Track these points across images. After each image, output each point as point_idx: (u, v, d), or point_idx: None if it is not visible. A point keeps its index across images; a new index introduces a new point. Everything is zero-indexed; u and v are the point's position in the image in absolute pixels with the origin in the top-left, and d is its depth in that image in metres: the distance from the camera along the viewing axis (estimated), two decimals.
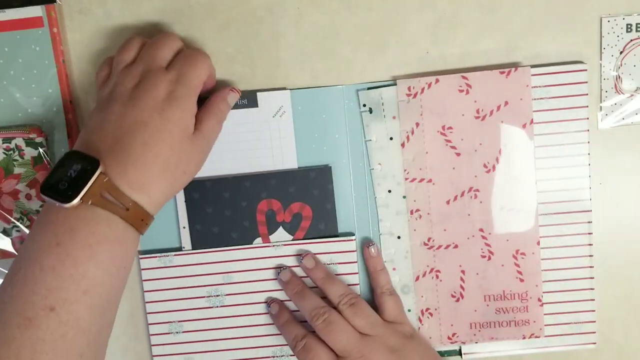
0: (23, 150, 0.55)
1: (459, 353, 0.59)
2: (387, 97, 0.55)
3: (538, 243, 0.56)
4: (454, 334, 0.57)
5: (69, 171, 0.43)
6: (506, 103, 0.54)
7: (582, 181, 0.56)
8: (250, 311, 0.58)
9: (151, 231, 0.55)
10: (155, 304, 0.58)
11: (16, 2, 0.54)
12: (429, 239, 0.56)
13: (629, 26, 0.55)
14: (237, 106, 0.55)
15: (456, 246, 0.56)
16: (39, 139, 0.55)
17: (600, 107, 0.56)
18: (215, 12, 0.56)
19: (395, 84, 0.55)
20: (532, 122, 0.54)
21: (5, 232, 0.57)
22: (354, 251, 0.57)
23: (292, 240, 0.57)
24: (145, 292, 0.58)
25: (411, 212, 0.56)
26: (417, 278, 0.57)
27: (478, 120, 0.55)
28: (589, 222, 0.57)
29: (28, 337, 0.40)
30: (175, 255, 0.57)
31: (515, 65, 0.55)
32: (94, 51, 0.56)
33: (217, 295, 0.58)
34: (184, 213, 0.57)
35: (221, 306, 0.58)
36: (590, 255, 0.57)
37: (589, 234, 0.57)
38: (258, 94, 0.55)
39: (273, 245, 0.57)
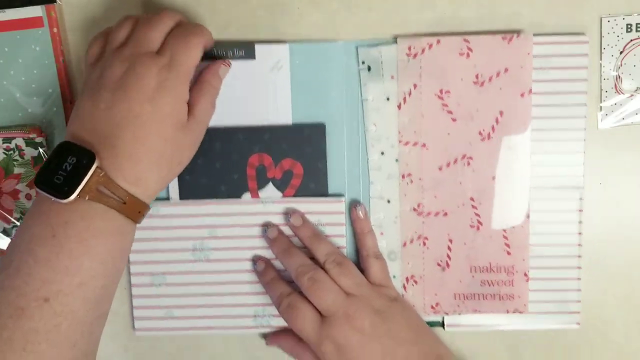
0: (23, 150, 0.55)
1: (442, 324, 0.58)
2: (386, 56, 0.55)
3: (528, 216, 0.55)
4: (437, 304, 0.56)
5: (64, 164, 0.43)
6: (506, 70, 0.53)
7: (576, 157, 0.56)
8: (234, 268, 0.57)
9: None
10: (139, 254, 0.57)
11: (16, 2, 0.54)
12: (418, 205, 0.55)
13: (629, 26, 0.55)
14: (234, 57, 0.55)
15: (445, 214, 0.55)
16: (39, 139, 0.55)
17: (600, 107, 0.56)
18: (215, 12, 0.56)
19: (396, 43, 0.55)
20: (530, 91, 0.53)
21: (5, 232, 0.57)
22: (342, 213, 0.56)
23: (282, 197, 0.56)
24: None
25: (402, 177, 0.55)
26: (405, 244, 0.56)
27: (476, 86, 0.54)
28: (581, 198, 0.56)
29: (20, 326, 0.40)
30: (162, 205, 0.56)
31: (517, 31, 0.54)
32: None
33: (202, 250, 0.57)
34: None
35: (206, 261, 0.57)
36: (580, 233, 0.57)
37: (580, 210, 0.56)
38: (256, 45, 0.55)
39: (261, 202, 0.56)
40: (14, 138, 0.55)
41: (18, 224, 0.56)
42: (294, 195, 0.56)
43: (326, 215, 0.56)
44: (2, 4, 0.54)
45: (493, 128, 0.54)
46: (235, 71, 0.55)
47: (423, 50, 0.54)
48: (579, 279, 0.57)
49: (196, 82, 0.50)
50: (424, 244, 0.56)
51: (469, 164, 0.55)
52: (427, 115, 0.54)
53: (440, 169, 0.55)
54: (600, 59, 0.56)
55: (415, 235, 0.56)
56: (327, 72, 0.55)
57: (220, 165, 0.56)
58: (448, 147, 0.55)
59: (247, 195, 0.56)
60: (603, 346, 0.60)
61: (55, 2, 0.55)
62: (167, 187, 0.57)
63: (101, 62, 0.47)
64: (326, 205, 0.56)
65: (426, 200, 0.55)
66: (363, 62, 0.55)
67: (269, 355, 0.59)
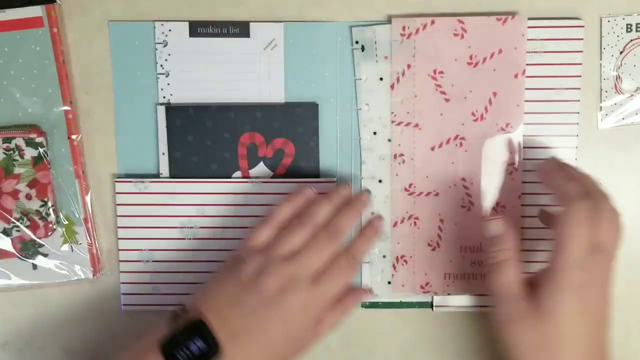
0: (23, 150, 0.56)
1: (431, 305, 0.57)
2: (380, 36, 0.55)
3: (519, 197, 0.54)
4: (427, 284, 0.56)
5: (192, 345, 0.44)
6: (500, 51, 0.53)
7: (569, 140, 0.56)
8: (222, 246, 0.57)
9: (129, 155, 0.55)
10: (127, 230, 0.57)
11: (16, 2, 0.55)
12: (410, 185, 0.55)
13: (629, 26, 0.55)
14: (228, 35, 0.55)
15: (437, 194, 0.55)
16: (39, 139, 0.56)
17: (600, 107, 0.56)
18: (215, 12, 0.56)
19: (390, 24, 0.55)
20: (524, 72, 0.53)
21: (5, 232, 0.57)
22: None
23: (272, 177, 0.56)
24: (118, 217, 0.57)
25: (394, 157, 0.55)
26: (395, 224, 0.56)
27: (470, 67, 0.54)
28: None
29: None
30: (151, 182, 0.56)
31: (512, 13, 0.54)
32: (94, 51, 0.57)
33: (191, 227, 0.56)
34: (164, 139, 0.56)
35: (194, 238, 0.57)
36: None
37: None
38: (251, 24, 0.55)
39: (252, 182, 0.56)
40: (14, 138, 0.55)
41: (18, 224, 0.56)
42: (285, 175, 0.56)
43: None
44: (2, 3, 0.55)
45: (486, 109, 0.54)
46: (229, 48, 0.55)
47: (417, 31, 0.53)
48: None
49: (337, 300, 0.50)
50: (415, 224, 0.55)
51: (461, 144, 0.54)
52: (420, 96, 0.54)
53: (432, 149, 0.55)
54: (600, 59, 0.56)
55: (407, 215, 0.55)
56: (321, 52, 0.56)
57: (212, 143, 0.56)
58: (441, 127, 0.54)
59: (237, 174, 0.56)
60: None
61: (55, 2, 0.55)
62: (158, 164, 0.57)
63: (261, 260, 0.48)
64: (317, 185, 0.55)
65: (417, 180, 0.55)
66: (357, 42, 0.55)
67: None
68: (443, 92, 0.54)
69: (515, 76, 0.53)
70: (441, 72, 0.54)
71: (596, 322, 0.46)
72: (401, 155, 0.55)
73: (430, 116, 0.54)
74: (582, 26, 0.55)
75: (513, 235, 0.48)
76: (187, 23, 0.55)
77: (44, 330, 0.59)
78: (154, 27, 0.55)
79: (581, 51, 0.55)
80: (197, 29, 0.55)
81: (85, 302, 0.59)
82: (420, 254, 0.55)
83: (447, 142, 0.55)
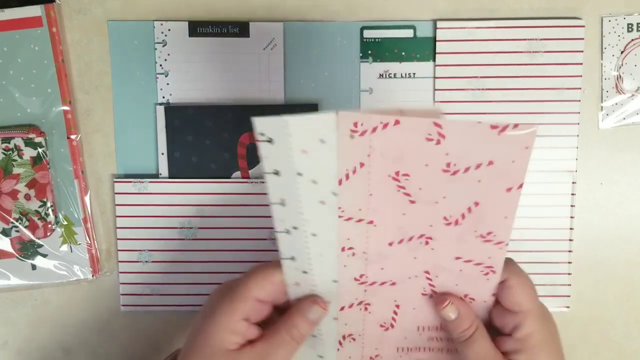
0: (22, 150, 0.55)
1: None
2: (295, 130, 0.39)
3: (493, 295, 0.45)
4: (377, 355, 0.49)
5: None
6: (490, 163, 0.39)
7: (570, 140, 0.56)
8: (221, 247, 0.57)
9: (129, 155, 0.55)
10: (127, 230, 0.57)
11: (15, 1, 0.55)
12: (361, 276, 0.44)
13: (630, 26, 0.56)
14: (228, 35, 0.55)
15: (393, 284, 0.45)
16: (38, 139, 0.55)
17: (601, 107, 0.56)
18: (215, 12, 0.56)
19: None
20: (520, 186, 0.39)
21: (5, 233, 0.56)
22: None
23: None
24: (117, 217, 0.57)
25: (342, 249, 0.43)
26: (343, 308, 0.46)
27: (446, 175, 0.40)
28: (574, 182, 0.56)
29: None
30: (150, 182, 0.56)
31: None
32: (93, 51, 0.57)
33: (190, 228, 0.56)
34: (163, 139, 0.56)
35: (193, 239, 0.57)
36: (572, 217, 0.57)
37: (572, 194, 0.56)
38: (250, 23, 0.55)
39: (251, 182, 0.56)
40: (13, 138, 0.55)
41: (17, 224, 0.56)
42: None
43: None
44: (1, 3, 0.55)
45: (463, 216, 0.41)
46: (229, 48, 0.55)
47: (375, 129, 0.39)
48: (569, 262, 0.57)
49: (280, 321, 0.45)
50: (366, 308, 0.46)
51: (427, 243, 0.43)
52: (377, 195, 0.41)
53: (390, 244, 0.43)
54: (601, 59, 0.56)
55: (356, 301, 0.46)
56: (321, 52, 0.55)
57: (211, 143, 0.56)
58: (403, 226, 0.42)
59: (237, 174, 0.56)
60: (603, 346, 0.59)
61: (55, 1, 0.55)
62: (157, 164, 0.56)
63: None
64: None
65: (370, 272, 0.44)
66: (262, 134, 0.40)
67: None
68: (407, 194, 0.41)
69: (508, 190, 0.40)
70: (406, 175, 0.40)
71: None
72: (350, 248, 0.43)
73: (389, 214, 0.42)
74: (583, 26, 0.55)
75: (468, 307, 0.45)
76: (187, 23, 0.55)
77: (44, 330, 0.59)
78: (154, 27, 0.55)
79: (582, 51, 0.55)
80: (197, 28, 0.55)
81: (84, 302, 0.59)
82: (370, 333, 0.48)
83: (410, 239, 0.43)
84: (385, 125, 0.38)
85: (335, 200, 0.40)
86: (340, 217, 0.41)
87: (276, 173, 0.40)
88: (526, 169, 0.39)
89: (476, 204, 0.41)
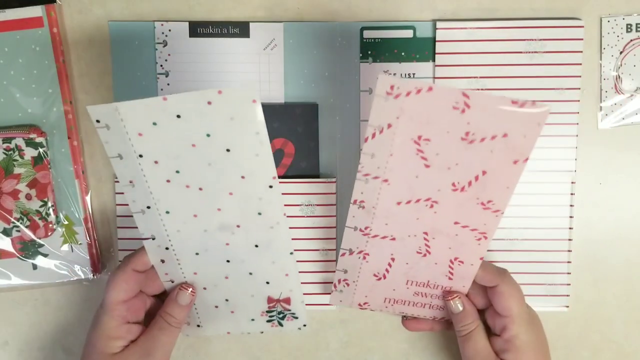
0: (23, 150, 0.56)
1: None
2: (127, 115, 0.43)
3: (481, 259, 0.50)
4: (365, 303, 0.55)
5: None
6: (505, 135, 0.44)
7: (569, 140, 0.56)
8: None
9: None
10: (127, 230, 0.57)
11: (16, 2, 0.55)
12: (366, 228, 0.50)
13: (629, 26, 0.56)
14: (228, 35, 0.55)
15: (393, 239, 0.50)
16: (39, 139, 0.56)
17: (600, 107, 0.56)
18: (215, 12, 0.56)
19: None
20: (526, 160, 0.44)
21: (5, 232, 0.57)
22: (333, 193, 0.56)
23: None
24: (118, 217, 0.57)
25: (354, 201, 0.48)
26: (343, 254, 0.51)
27: (464, 143, 0.44)
28: (573, 182, 0.56)
29: None
30: None
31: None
32: (93, 51, 0.57)
33: None
34: None
35: None
36: (571, 217, 0.57)
37: (572, 194, 0.57)
38: (251, 24, 0.55)
39: None
40: (14, 138, 0.55)
41: (18, 224, 0.56)
42: (285, 175, 0.56)
43: (317, 196, 0.56)
44: (1, 4, 0.55)
45: (470, 183, 0.46)
46: (229, 49, 0.55)
47: (408, 94, 0.43)
48: (568, 262, 0.57)
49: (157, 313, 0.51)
50: (364, 258, 0.51)
51: (432, 206, 0.48)
52: (396, 156, 0.45)
53: (398, 204, 0.48)
54: (600, 59, 0.56)
55: (356, 250, 0.51)
56: (321, 52, 0.56)
57: None
58: (413, 187, 0.47)
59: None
60: (602, 346, 0.59)
61: (55, 2, 0.55)
62: None
63: None
64: (317, 185, 0.56)
65: (375, 225, 0.49)
66: (98, 121, 0.43)
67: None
68: (424, 158, 0.45)
69: (515, 162, 0.45)
70: (427, 139, 0.45)
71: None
72: (362, 202, 0.48)
73: (404, 175, 0.46)
74: (582, 26, 0.55)
75: (473, 307, 0.52)
76: (187, 23, 0.55)
77: (44, 330, 0.59)
78: (154, 27, 0.55)
79: (581, 51, 0.55)
80: (197, 29, 0.55)
81: (85, 302, 0.59)
82: (364, 281, 0.53)
83: (417, 201, 0.48)
84: (419, 91, 0.42)
85: (180, 178, 0.45)
86: (359, 171, 0.46)
87: (120, 157, 0.45)
88: (534, 144, 0.43)
89: (484, 172, 0.45)
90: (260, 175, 0.44)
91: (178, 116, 0.41)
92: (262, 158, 0.43)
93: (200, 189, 0.45)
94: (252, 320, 0.53)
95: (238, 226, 0.47)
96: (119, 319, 0.49)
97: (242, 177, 0.44)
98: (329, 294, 0.55)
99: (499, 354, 0.50)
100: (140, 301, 0.51)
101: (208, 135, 0.42)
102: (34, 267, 0.57)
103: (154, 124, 0.42)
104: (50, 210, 0.56)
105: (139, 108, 0.41)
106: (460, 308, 0.51)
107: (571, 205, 0.57)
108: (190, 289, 0.50)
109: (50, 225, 0.56)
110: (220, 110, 0.41)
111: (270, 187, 0.45)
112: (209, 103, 0.41)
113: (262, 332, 0.54)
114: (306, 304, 0.53)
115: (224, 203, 0.46)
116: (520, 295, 0.50)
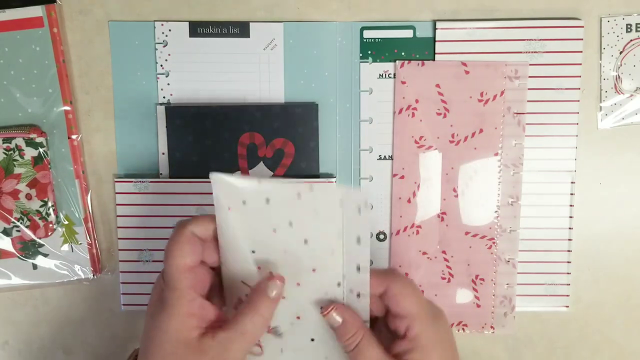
0: (23, 150, 0.56)
1: None
2: None
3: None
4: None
5: None
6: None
7: (569, 140, 0.56)
8: None
9: (129, 155, 0.55)
10: (127, 230, 0.57)
11: (16, 2, 0.55)
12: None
13: (629, 26, 0.56)
14: (228, 35, 0.55)
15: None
16: (39, 139, 0.56)
17: (600, 107, 0.56)
18: (215, 12, 0.56)
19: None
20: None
21: (6, 232, 0.57)
22: None
23: (272, 177, 0.56)
24: (118, 217, 0.57)
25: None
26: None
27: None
28: (573, 182, 0.57)
29: None
30: (151, 182, 0.56)
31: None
32: (94, 51, 0.57)
33: None
34: (164, 139, 0.56)
35: None
36: (571, 217, 0.57)
37: (572, 194, 0.57)
38: (251, 24, 0.55)
39: None
40: (14, 138, 0.55)
41: (18, 224, 0.56)
42: (285, 175, 0.56)
43: None
44: (2, 3, 0.55)
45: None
46: (229, 49, 0.55)
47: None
48: (568, 262, 0.58)
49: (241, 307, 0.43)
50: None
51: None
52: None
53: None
54: (600, 59, 0.56)
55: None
56: (321, 52, 0.56)
57: (211, 143, 0.56)
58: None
59: (237, 174, 0.56)
60: (602, 346, 0.59)
61: (56, 2, 0.55)
62: (158, 164, 0.57)
63: None
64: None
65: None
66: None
67: None
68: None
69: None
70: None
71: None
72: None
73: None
74: (582, 26, 0.55)
75: (354, 316, 0.45)
76: (187, 23, 0.55)
77: (44, 330, 0.59)
78: (154, 27, 0.56)
79: (581, 51, 0.55)
80: (197, 29, 0.55)
81: (85, 302, 0.59)
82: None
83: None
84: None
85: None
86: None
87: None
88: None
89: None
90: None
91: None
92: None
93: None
94: None
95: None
96: (190, 291, 0.41)
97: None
98: None
99: (404, 355, 0.44)
100: (205, 272, 0.44)
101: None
102: (34, 267, 0.57)
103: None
104: (51, 210, 0.56)
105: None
106: (339, 320, 0.44)
107: (571, 205, 0.57)
108: (279, 278, 0.43)
109: (51, 225, 0.56)
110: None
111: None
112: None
113: None
114: None
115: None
116: (416, 293, 0.45)
